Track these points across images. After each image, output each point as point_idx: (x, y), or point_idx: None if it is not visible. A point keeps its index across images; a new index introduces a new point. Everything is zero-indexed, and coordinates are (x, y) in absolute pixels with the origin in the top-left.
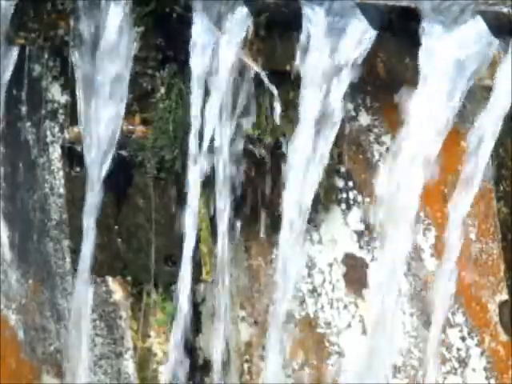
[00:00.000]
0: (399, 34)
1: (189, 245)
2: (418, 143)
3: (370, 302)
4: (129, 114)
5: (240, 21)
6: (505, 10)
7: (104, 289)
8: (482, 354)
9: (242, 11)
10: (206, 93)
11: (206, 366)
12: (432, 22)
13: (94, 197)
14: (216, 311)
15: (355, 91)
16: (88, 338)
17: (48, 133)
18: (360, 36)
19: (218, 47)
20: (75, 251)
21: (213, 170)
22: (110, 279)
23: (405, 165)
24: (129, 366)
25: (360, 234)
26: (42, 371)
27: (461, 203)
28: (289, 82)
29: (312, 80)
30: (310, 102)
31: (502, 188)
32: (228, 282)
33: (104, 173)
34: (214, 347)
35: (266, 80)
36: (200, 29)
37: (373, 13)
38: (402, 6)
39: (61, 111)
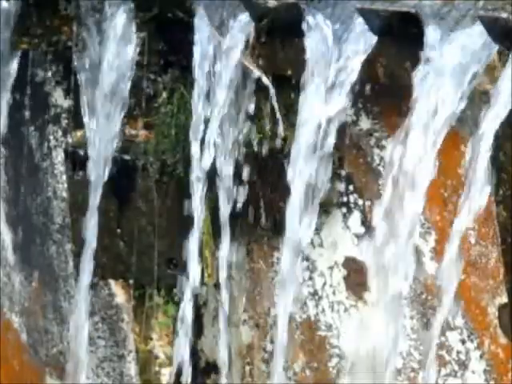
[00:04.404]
0: (399, 39)
1: (191, 248)
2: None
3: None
4: (131, 118)
5: (242, 26)
6: (504, 15)
7: (106, 292)
8: (481, 356)
9: (244, 16)
10: (208, 97)
11: (208, 369)
12: (432, 27)
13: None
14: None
15: (356, 96)
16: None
17: (51, 137)
18: (361, 41)
19: (219, 52)
20: (78, 254)
21: (215, 173)
22: (112, 282)
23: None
24: (131, 368)
25: (361, 238)
26: (45, 373)
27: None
28: (290, 87)
29: (313, 85)
30: (311, 107)
31: (501, 192)
32: (229, 285)
33: (106, 176)
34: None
35: (267, 84)
36: (202, 34)
37: (373, 18)
38: (402, 11)
39: (64, 115)
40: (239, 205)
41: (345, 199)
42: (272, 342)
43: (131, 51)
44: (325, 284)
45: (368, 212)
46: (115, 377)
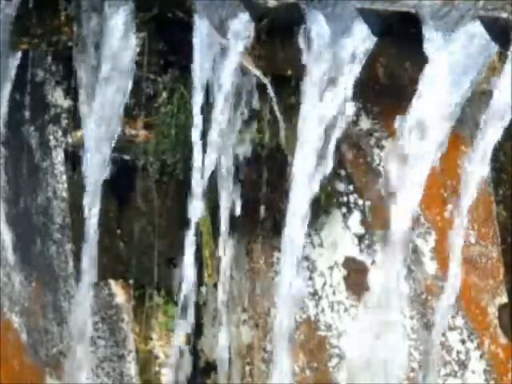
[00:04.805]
0: (399, 39)
1: (190, 248)
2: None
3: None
4: (131, 118)
5: (242, 26)
6: (504, 15)
7: (106, 292)
8: (481, 356)
9: (244, 16)
10: (208, 97)
11: (208, 369)
12: (432, 27)
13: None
14: (218, 314)
15: (356, 96)
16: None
17: (51, 137)
18: (361, 41)
19: (219, 52)
20: (78, 254)
21: (215, 173)
22: (112, 282)
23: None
24: (131, 368)
25: (360, 238)
26: (45, 373)
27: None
28: (290, 87)
29: (313, 85)
30: (311, 107)
31: (501, 192)
32: (229, 285)
33: (104, 177)
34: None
35: (267, 84)
36: (202, 34)
37: (373, 18)
38: (402, 11)
39: (64, 115)
40: (239, 205)
41: (345, 199)
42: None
43: (131, 51)
44: (325, 284)
45: (368, 212)
46: (115, 377)
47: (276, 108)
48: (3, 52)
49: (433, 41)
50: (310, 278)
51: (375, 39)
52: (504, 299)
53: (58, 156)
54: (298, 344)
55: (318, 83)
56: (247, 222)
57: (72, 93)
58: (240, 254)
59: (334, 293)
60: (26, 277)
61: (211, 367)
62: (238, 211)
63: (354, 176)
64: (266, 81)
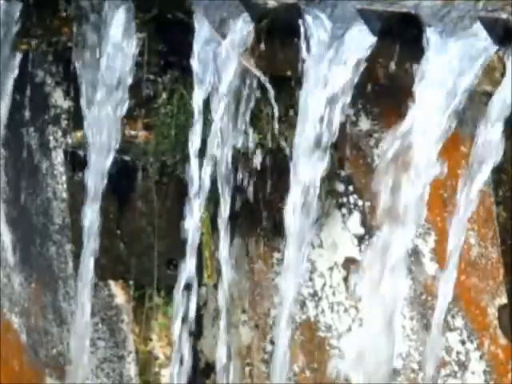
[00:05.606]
0: (399, 39)
1: (190, 249)
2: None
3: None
4: (131, 119)
5: (241, 26)
6: (504, 16)
7: (106, 292)
8: (481, 357)
9: (244, 17)
10: (208, 98)
11: (208, 370)
12: (432, 28)
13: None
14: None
15: (356, 96)
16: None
17: (51, 138)
18: (360, 42)
19: (219, 53)
20: (78, 255)
21: (214, 174)
22: (112, 283)
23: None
24: (131, 369)
25: (360, 238)
26: (44, 374)
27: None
28: (290, 87)
29: (313, 85)
30: (310, 107)
31: (501, 193)
32: (229, 285)
33: (105, 177)
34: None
35: (267, 85)
36: (202, 35)
37: (373, 19)
38: (402, 12)
39: (64, 116)
40: (239, 205)
41: (345, 200)
42: (272, 342)
43: (131, 52)
44: (324, 285)
45: (368, 213)
46: (115, 377)
47: (276, 108)
48: (3, 52)
49: (433, 41)
50: (310, 279)
51: (375, 40)
52: (504, 300)
53: (58, 157)
54: (298, 345)
55: (318, 84)
56: (247, 222)
57: (72, 93)
58: (240, 254)
59: (333, 294)
60: (26, 278)
61: (211, 368)
62: (238, 211)
63: (353, 177)
64: (266, 81)
